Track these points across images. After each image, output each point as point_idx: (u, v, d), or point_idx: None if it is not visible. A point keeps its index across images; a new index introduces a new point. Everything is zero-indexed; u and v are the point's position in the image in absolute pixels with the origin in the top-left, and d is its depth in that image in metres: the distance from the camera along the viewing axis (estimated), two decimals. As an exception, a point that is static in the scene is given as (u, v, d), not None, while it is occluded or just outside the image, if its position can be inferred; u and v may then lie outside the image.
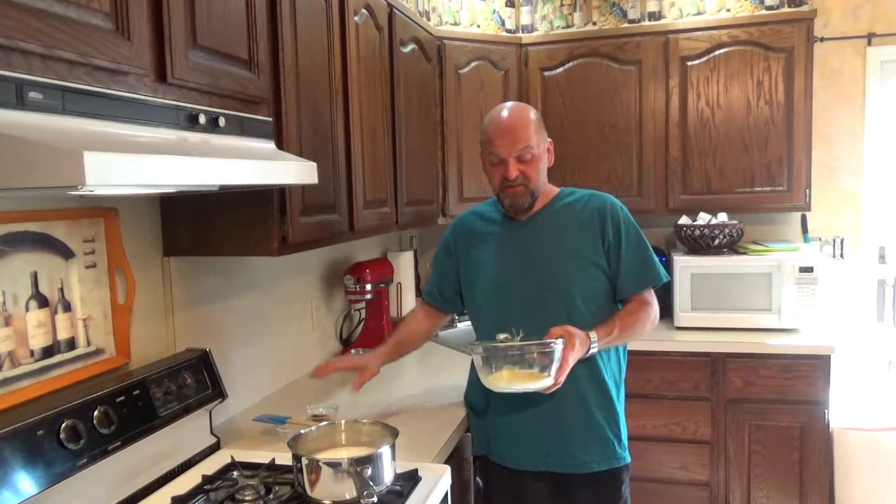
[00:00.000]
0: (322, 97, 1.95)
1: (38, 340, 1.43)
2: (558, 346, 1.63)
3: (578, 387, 1.80)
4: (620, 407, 1.89)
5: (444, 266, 2.06)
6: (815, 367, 2.78)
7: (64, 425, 1.33)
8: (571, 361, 1.65)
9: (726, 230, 3.03)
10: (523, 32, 3.31)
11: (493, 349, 1.67)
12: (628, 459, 1.88)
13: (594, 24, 3.22)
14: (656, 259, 1.88)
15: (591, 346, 1.71)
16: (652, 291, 1.89)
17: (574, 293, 1.81)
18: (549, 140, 1.89)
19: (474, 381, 1.94)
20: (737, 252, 3.07)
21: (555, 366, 1.63)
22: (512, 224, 1.93)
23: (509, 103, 1.90)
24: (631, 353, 2.02)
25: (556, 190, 1.95)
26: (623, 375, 1.93)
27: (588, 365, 1.79)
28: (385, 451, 1.45)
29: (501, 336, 1.69)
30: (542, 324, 1.71)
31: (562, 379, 1.65)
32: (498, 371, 1.68)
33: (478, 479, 2.02)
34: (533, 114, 1.85)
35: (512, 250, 1.90)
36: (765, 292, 2.92)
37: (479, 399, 1.95)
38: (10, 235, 1.37)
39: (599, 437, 1.83)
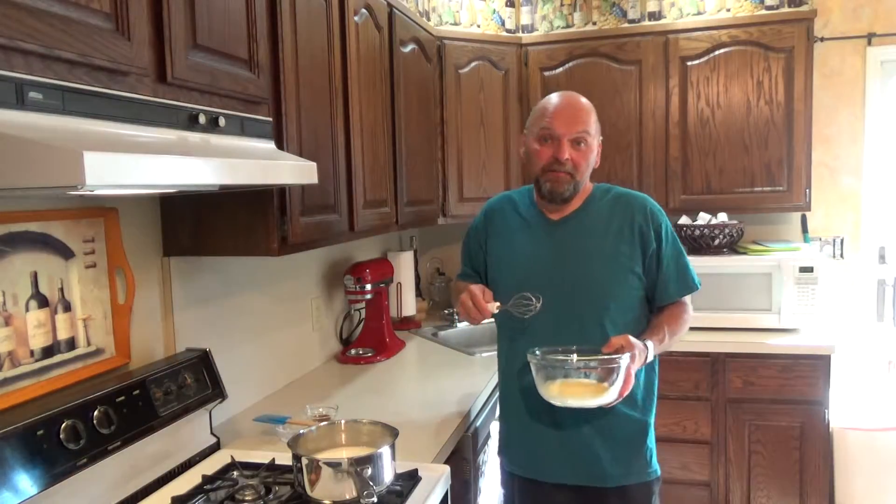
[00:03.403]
0: (322, 97, 1.95)
1: (38, 340, 1.43)
2: (624, 359, 1.54)
3: None
4: (651, 418, 1.81)
5: (473, 253, 1.95)
6: (814, 367, 2.78)
7: (64, 425, 1.32)
8: (633, 375, 1.58)
9: (726, 230, 3.04)
10: (523, 32, 3.31)
11: (553, 360, 1.59)
12: (659, 472, 1.81)
13: (594, 24, 3.22)
14: (690, 265, 1.81)
15: (648, 355, 1.63)
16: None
17: (609, 301, 1.73)
18: (601, 139, 1.81)
19: (505, 387, 1.87)
20: (737, 252, 3.07)
21: (619, 380, 1.54)
22: (545, 222, 1.81)
23: (566, 91, 1.80)
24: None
25: (591, 186, 1.84)
26: (656, 384, 1.82)
27: None
28: (385, 451, 1.45)
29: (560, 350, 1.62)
30: (574, 333, 1.66)
31: (626, 393, 1.57)
32: (557, 383, 1.58)
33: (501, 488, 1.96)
34: (591, 105, 1.77)
35: (543, 252, 1.79)
36: (765, 292, 2.92)
37: (505, 406, 1.88)
38: (10, 235, 1.37)
39: (630, 450, 1.76)
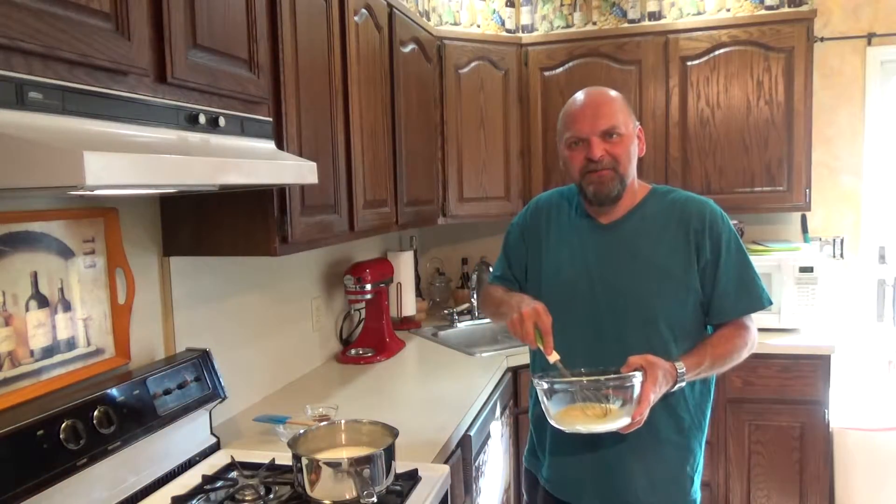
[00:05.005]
0: (322, 97, 1.95)
1: (38, 340, 1.43)
2: (637, 379, 1.39)
3: (651, 420, 1.47)
4: (698, 445, 1.63)
5: (516, 251, 1.78)
6: (814, 367, 2.78)
7: (64, 425, 1.32)
8: (653, 398, 1.41)
9: (726, 230, 3.03)
10: (523, 32, 3.31)
11: (559, 383, 1.44)
12: (698, 502, 1.66)
13: (594, 24, 3.22)
14: (759, 280, 1.61)
15: (679, 378, 1.46)
16: (751, 315, 1.62)
17: (658, 317, 1.56)
18: (639, 126, 1.64)
19: (535, 398, 1.71)
20: (737, 252, 3.06)
21: (633, 403, 1.39)
22: (593, 225, 1.65)
23: (588, 88, 1.67)
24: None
25: (647, 188, 1.67)
26: (709, 408, 1.66)
27: (665, 396, 1.50)
28: (385, 451, 1.45)
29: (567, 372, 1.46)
30: (615, 348, 1.49)
31: (640, 418, 1.40)
32: (565, 408, 1.44)
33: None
34: (617, 94, 1.63)
35: (589, 258, 1.62)
36: (765, 292, 2.92)
37: (535, 417, 1.74)
38: (10, 235, 1.37)
39: (670, 479, 1.60)
